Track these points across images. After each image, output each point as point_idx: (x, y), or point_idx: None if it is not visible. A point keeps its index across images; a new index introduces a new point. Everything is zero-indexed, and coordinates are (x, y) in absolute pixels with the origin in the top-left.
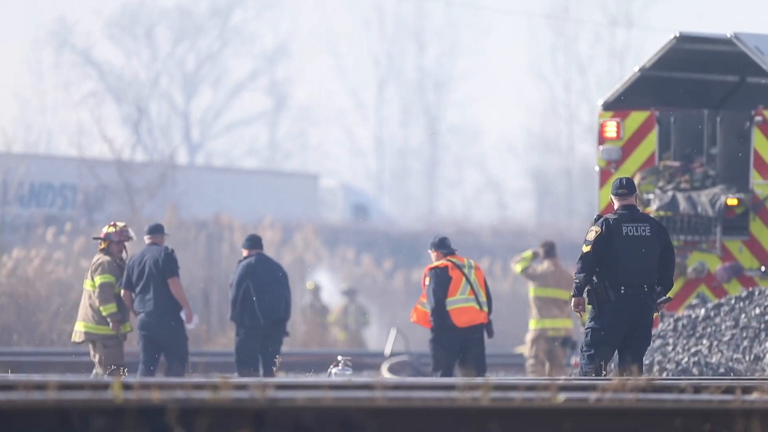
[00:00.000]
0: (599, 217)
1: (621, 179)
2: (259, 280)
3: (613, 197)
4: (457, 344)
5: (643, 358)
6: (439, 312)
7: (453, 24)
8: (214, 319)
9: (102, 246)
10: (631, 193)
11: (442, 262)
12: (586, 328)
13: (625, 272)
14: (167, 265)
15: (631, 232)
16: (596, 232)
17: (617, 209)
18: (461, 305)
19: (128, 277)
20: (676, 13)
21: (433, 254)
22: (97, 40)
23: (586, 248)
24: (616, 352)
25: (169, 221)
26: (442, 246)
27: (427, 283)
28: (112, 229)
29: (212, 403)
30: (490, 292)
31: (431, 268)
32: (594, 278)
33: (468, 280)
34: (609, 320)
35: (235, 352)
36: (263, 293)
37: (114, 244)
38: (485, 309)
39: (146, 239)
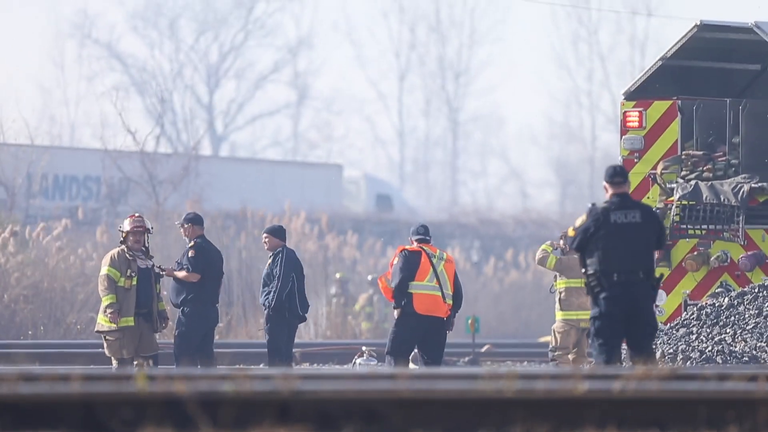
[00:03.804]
0: (593, 205)
1: (615, 167)
2: (298, 274)
3: (606, 184)
4: (420, 331)
5: (653, 346)
6: (401, 290)
7: (472, 13)
8: (236, 310)
9: (121, 238)
10: (625, 181)
11: (415, 246)
12: (590, 318)
13: (614, 260)
14: None
15: (619, 219)
16: (582, 220)
17: (610, 197)
18: (425, 291)
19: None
20: (696, 1)
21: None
22: (120, 33)
23: (571, 232)
24: (627, 340)
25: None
26: (416, 233)
27: (395, 262)
28: (128, 221)
29: (237, 395)
30: (459, 287)
31: (402, 249)
32: (589, 269)
33: (434, 271)
34: (606, 309)
35: (270, 342)
36: (301, 288)
37: (129, 234)
38: (449, 302)
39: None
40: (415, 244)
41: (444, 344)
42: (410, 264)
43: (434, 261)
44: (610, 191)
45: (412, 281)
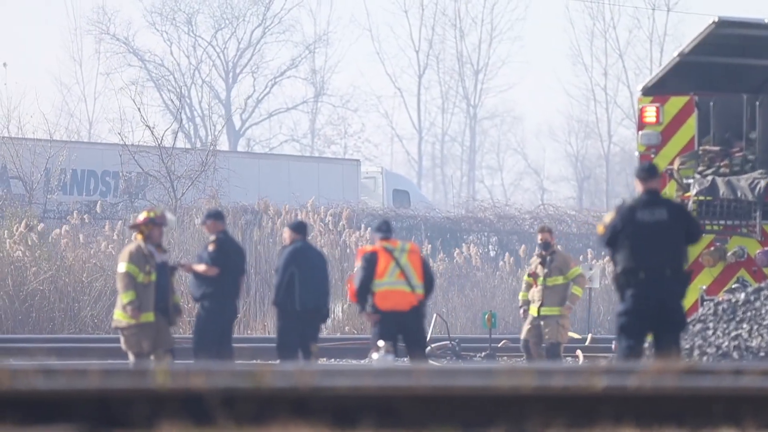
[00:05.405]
0: (622, 202)
1: (644, 163)
2: (303, 268)
3: (637, 180)
4: (393, 327)
5: (681, 342)
6: (361, 294)
7: (492, 9)
8: (253, 304)
9: (144, 231)
10: (651, 176)
11: (373, 246)
12: (617, 314)
13: (640, 257)
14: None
15: (645, 217)
16: (611, 217)
17: (640, 194)
18: (387, 288)
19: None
20: None
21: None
22: (138, 29)
23: (600, 229)
24: (654, 336)
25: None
26: (378, 230)
27: (356, 265)
28: (152, 214)
29: (254, 391)
30: (430, 274)
31: (363, 253)
32: (617, 266)
33: (398, 264)
34: (632, 306)
35: (277, 337)
36: (306, 281)
37: (156, 228)
38: (419, 292)
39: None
40: (378, 242)
41: (422, 336)
42: (369, 265)
43: (396, 254)
44: (640, 187)
45: (374, 280)
